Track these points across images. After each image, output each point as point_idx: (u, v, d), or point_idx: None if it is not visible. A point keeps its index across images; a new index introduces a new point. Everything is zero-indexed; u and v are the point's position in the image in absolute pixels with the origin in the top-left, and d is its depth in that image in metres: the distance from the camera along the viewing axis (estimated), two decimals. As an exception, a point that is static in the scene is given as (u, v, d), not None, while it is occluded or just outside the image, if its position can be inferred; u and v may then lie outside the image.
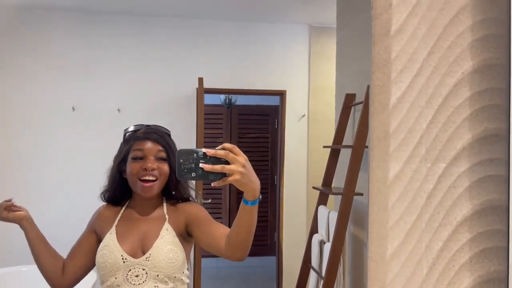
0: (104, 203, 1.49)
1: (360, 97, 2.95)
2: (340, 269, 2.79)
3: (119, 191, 1.44)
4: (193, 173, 0.93)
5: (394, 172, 0.69)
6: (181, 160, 0.93)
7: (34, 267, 3.10)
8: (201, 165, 0.93)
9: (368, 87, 2.59)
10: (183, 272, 1.37)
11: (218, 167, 0.94)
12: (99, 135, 3.90)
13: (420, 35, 0.69)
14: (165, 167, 1.38)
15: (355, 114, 3.06)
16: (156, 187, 1.37)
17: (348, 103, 3.04)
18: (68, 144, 3.91)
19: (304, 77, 4.21)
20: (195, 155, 0.93)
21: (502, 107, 0.70)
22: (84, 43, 3.93)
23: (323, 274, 2.69)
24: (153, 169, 1.35)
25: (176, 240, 1.36)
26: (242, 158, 0.97)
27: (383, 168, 0.69)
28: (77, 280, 1.42)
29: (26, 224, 1.39)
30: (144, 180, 1.35)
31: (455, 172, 0.70)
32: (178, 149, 1.02)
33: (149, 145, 1.37)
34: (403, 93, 0.70)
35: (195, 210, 1.42)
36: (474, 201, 0.70)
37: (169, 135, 1.46)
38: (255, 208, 1.12)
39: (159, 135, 1.41)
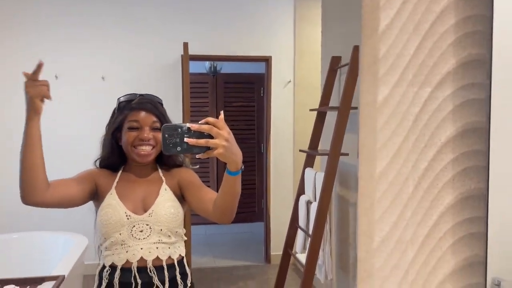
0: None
1: (345, 59, 2.98)
2: (327, 227, 2.88)
3: (115, 158, 1.48)
4: (178, 148, 0.97)
5: (383, 95, 0.73)
6: (166, 135, 0.97)
7: (25, 235, 3.11)
8: (185, 139, 0.96)
9: (355, 47, 2.61)
10: (182, 229, 1.45)
11: (202, 141, 0.98)
12: (83, 103, 3.86)
13: (408, -38, 0.72)
14: (160, 136, 1.41)
15: (341, 77, 3.09)
16: (153, 154, 1.43)
17: (334, 65, 3.06)
18: (51, 112, 3.86)
19: (290, 42, 4.20)
20: (179, 130, 0.97)
21: (484, 33, 0.74)
22: (67, 10, 3.84)
23: (310, 232, 2.77)
24: (149, 139, 1.40)
25: (174, 198, 1.44)
26: (225, 132, 1.02)
27: (373, 92, 0.72)
28: (56, 202, 1.32)
29: (38, 116, 1.26)
30: (140, 149, 1.40)
31: (440, 96, 0.74)
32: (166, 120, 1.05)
33: (144, 115, 1.41)
34: (392, 19, 0.72)
35: (188, 175, 1.49)
36: (457, 123, 0.75)
37: (162, 104, 1.51)
38: (238, 178, 1.18)
39: (153, 105, 1.45)
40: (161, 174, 1.48)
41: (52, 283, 2.05)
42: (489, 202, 0.74)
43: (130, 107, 1.43)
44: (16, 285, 2.07)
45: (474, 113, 0.75)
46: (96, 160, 1.50)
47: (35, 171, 1.25)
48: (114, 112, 1.48)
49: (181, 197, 1.47)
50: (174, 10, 4.01)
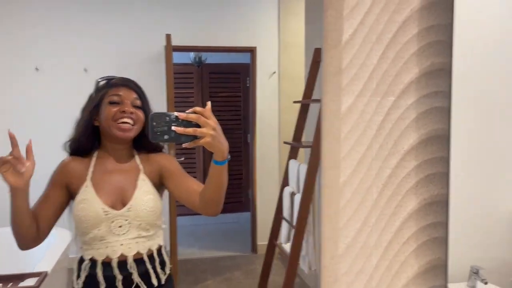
0: (68, 157, 1.45)
1: (328, 52, 2.98)
2: (310, 219, 2.91)
3: (90, 140, 1.42)
4: (165, 136, 0.98)
5: (347, 105, 0.74)
6: (154, 123, 0.97)
7: (5, 230, 3.08)
8: (173, 128, 0.97)
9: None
10: (161, 219, 1.44)
11: (190, 130, 0.99)
12: (65, 96, 3.81)
13: (371, -28, 0.72)
14: (141, 115, 1.39)
15: (324, 69, 3.09)
16: (133, 131, 1.37)
17: (316, 58, 3.06)
18: (33, 106, 3.82)
19: (274, 33, 4.18)
20: (167, 118, 0.97)
21: (446, 42, 0.75)
22: (47, 1, 3.76)
23: (294, 223, 2.80)
24: (131, 112, 1.36)
25: (153, 189, 1.40)
26: (213, 121, 1.03)
27: (336, 102, 0.73)
28: (49, 230, 1.39)
29: (26, 188, 1.22)
30: (121, 122, 1.35)
31: (403, 105, 0.75)
32: (151, 110, 1.04)
33: (125, 91, 1.38)
34: (355, 30, 0.73)
35: (168, 162, 1.45)
36: (421, 131, 0.76)
37: (142, 88, 1.47)
38: (225, 167, 1.18)
39: (133, 83, 1.42)
40: (138, 162, 1.43)
41: (35, 279, 2.05)
42: (449, 207, 0.76)
43: (111, 84, 1.40)
44: (-1, 282, 2.07)
45: (437, 120, 0.76)
46: (66, 142, 1.43)
47: (25, 229, 1.30)
48: (91, 94, 1.43)
49: (160, 185, 1.44)
50: (158, 1, 3.96)
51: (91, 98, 1.43)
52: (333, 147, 0.73)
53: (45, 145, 3.82)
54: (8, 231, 2.97)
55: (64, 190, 1.40)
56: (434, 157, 0.76)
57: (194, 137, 1.01)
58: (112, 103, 1.36)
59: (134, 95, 1.39)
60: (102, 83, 1.43)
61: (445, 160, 0.76)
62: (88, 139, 1.42)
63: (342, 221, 0.74)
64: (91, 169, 1.39)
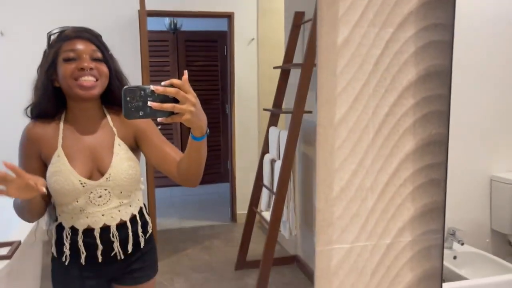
0: (30, 122, 1.30)
1: (309, 15, 2.90)
2: (291, 185, 2.90)
3: (52, 102, 1.27)
4: (140, 112, 0.89)
5: (343, 37, 0.68)
6: (128, 99, 0.88)
7: None
8: (149, 103, 0.88)
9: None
10: (140, 181, 1.37)
11: (168, 106, 0.90)
12: (29, 63, 3.62)
13: None
14: (104, 68, 1.24)
15: (304, 33, 3.02)
16: (97, 87, 1.23)
17: (297, 21, 2.99)
18: None
19: (252, -2, 4.06)
20: (142, 92, 0.88)
21: (449, -31, 0.70)
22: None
23: (275, 190, 2.78)
24: (90, 68, 1.20)
25: (131, 154, 1.30)
26: (192, 96, 0.93)
27: (332, 34, 0.68)
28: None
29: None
30: (82, 80, 1.20)
31: (402, 37, 0.70)
32: (124, 86, 0.93)
33: (81, 44, 1.21)
34: (352, -47, 0.67)
35: (145, 125, 1.33)
36: (419, 66, 0.72)
37: (101, 37, 1.30)
38: (204, 142, 1.11)
39: (90, 33, 1.25)
40: (111, 123, 1.31)
41: (7, 248, 1.97)
42: (449, 147, 0.73)
43: (63, 37, 1.23)
44: (-31, 252, 1.98)
45: (437, 55, 0.72)
46: (27, 107, 1.29)
47: (36, 216, 1.28)
48: (45, 51, 1.26)
49: (137, 148, 1.34)
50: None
51: (45, 55, 1.26)
52: (328, 82, 0.68)
53: (6, 112, 3.66)
54: None
55: (39, 159, 1.28)
56: (433, 94, 0.72)
57: (171, 113, 0.92)
58: (67, 59, 1.20)
59: (92, 47, 1.22)
60: (54, 36, 1.25)
61: (445, 98, 0.72)
62: (49, 102, 1.26)
63: (337, 162, 0.70)
64: (60, 134, 1.26)
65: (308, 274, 3.12)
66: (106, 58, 1.26)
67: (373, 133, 0.71)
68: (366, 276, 0.72)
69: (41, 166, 1.28)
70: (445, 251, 0.77)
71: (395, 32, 0.70)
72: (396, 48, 0.70)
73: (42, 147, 1.27)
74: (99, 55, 1.24)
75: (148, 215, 1.42)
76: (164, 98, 0.91)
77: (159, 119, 0.92)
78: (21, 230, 2.29)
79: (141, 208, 1.38)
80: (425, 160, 0.74)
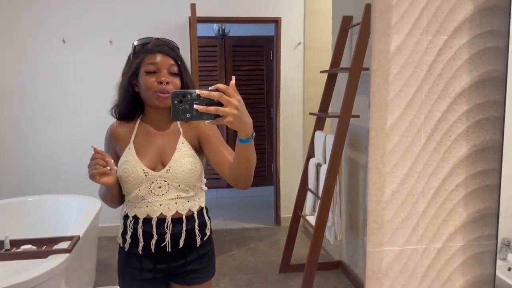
0: (114, 122, 1.49)
1: (357, 19, 2.89)
2: (336, 189, 2.89)
3: (131, 105, 1.44)
4: (187, 114, 0.96)
5: (396, 44, 0.70)
6: (176, 102, 0.95)
7: (39, 198, 3.18)
8: (195, 106, 0.95)
9: (367, 6, 2.53)
10: (201, 181, 1.45)
11: (211, 109, 0.96)
12: (91, 68, 3.84)
13: None
14: (177, 82, 1.38)
15: (352, 37, 3.01)
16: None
17: (345, 25, 2.98)
18: (60, 77, 3.86)
19: (299, 2, 4.08)
20: (189, 96, 0.95)
21: (505, -24, 0.70)
22: (69, -29, 3.76)
23: (320, 194, 2.79)
24: (167, 83, 1.35)
25: (192, 152, 1.42)
26: (235, 99, 0.99)
27: (385, 41, 0.70)
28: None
29: (109, 183, 1.34)
30: (159, 93, 1.35)
31: (455, 45, 0.71)
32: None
33: (161, 58, 1.37)
34: (406, -37, 0.69)
35: (208, 128, 1.45)
36: (473, 73, 0.72)
37: (179, 49, 1.45)
38: (250, 145, 1.17)
39: (169, 47, 1.40)
40: (179, 125, 1.45)
41: (68, 243, 2.11)
42: (503, 155, 0.73)
43: (146, 50, 1.38)
44: (33, 245, 2.13)
45: (491, 61, 0.72)
46: (112, 108, 1.47)
47: (117, 203, 1.47)
48: (129, 57, 1.43)
49: (200, 149, 1.45)
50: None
51: (128, 62, 1.43)
52: (381, 88, 0.70)
53: (72, 117, 3.89)
54: (39, 200, 3.05)
55: (115, 155, 1.46)
56: (487, 100, 0.73)
57: (217, 116, 0.98)
58: (148, 72, 1.36)
59: (170, 61, 1.37)
60: (138, 46, 1.41)
61: (499, 104, 0.72)
62: (130, 105, 1.44)
63: (388, 166, 0.72)
64: (134, 132, 1.44)
65: (353, 280, 3.09)
66: (181, 71, 1.40)
67: (425, 138, 0.72)
68: (416, 278, 0.73)
69: (116, 160, 1.43)
70: (499, 262, 0.76)
71: (448, 39, 0.71)
72: (449, 55, 0.71)
73: (119, 143, 1.44)
74: (175, 69, 1.38)
75: (209, 218, 1.49)
76: (210, 102, 0.97)
77: (205, 122, 0.99)
78: (80, 225, 2.43)
79: (201, 209, 1.46)
80: (478, 166, 0.74)
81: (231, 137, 5.25)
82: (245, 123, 1.06)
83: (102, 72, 3.71)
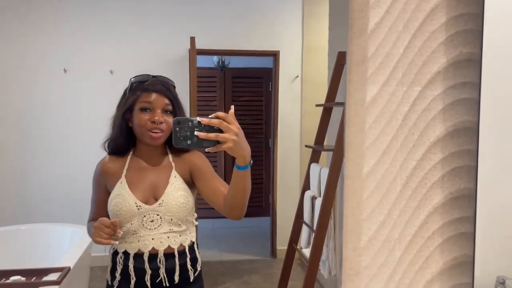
0: (105, 156, 1.50)
1: (352, 55, 2.95)
2: (331, 223, 2.88)
3: (125, 140, 1.45)
4: (188, 141, 0.99)
5: (372, 94, 0.72)
6: (177, 129, 0.99)
7: (32, 227, 3.17)
8: (196, 133, 0.98)
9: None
10: (193, 215, 1.46)
11: (212, 135, 1.00)
12: (92, 97, 3.90)
13: (398, -40, 0.71)
14: (171, 120, 1.39)
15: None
16: (163, 137, 1.40)
17: (340, 61, 3.04)
18: (61, 106, 3.91)
19: (298, 37, 4.18)
20: (190, 123, 0.99)
21: (476, 31, 0.73)
22: (75, 4, 3.87)
23: (314, 227, 2.77)
24: (160, 123, 1.37)
25: (185, 185, 1.43)
26: (235, 126, 1.03)
27: (361, 91, 0.72)
28: None
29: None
30: (152, 132, 1.38)
31: (429, 95, 0.74)
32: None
33: (156, 97, 1.38)
34: (381, 18, 0.72)
35: (199, 161, 1.47)
36: (447, 122, 0.74)
37: (174, 87, 1.48)
38: (247, 172, 1.19)
39: (166, 87, 1.41)
40: (171, 159, 1.46)
41: (58, 274, 2.09)
42: (477, 202, 0.74)
43: (142, 88, 1.40)
44: (23, 276, 2.11)
45: (465, 112, 0.74)
46: (105, 142, 1.48)
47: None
48: (125, 92, 1.45)
49: (192, 183, 1.47)
50: (182, 3, 4.02)
51: (124, 97, 1.45)
52: (357, 137, 0.72)
53: (72, 144, 3.92)
54: (32, 228, 3.03)
55: (105, 190, 1.48)
56: (461, 149, 0.74)
57: (217, 142, 1.01)
58: (143, 109, 1.38)
59: (165, 101, 1.39)
60: (135, 83, 1.43)
61: (473, 153, 0.74)
62: (124, 140, 1.45)
63: (365, 213, 0.73)
64: (126, 166, 1.44)
65: (348, 316, 3.03)
66: (175, 110, 1.42)
67: (401, 186, 0.74)
68: (392, 327, 0.73)
69: (106, 196, 1.45)
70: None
71: (423, 90, 0.73)
72: (424, 105, 0.73)
73: (110, 178, 1.45)
74: (170, 108, 1.40)
75: (199, 253, 1.49)
76: (210, 129, 1.00)
77: (206, 149, 1.01)
78: (71, 255, 2.42)
79: (192, 244, 1.46)
80: (454, 213, 0.75)
81: (228, 165, 5.26)
82: (244, 150, 1.09)
83: (103, 101, 3.77)
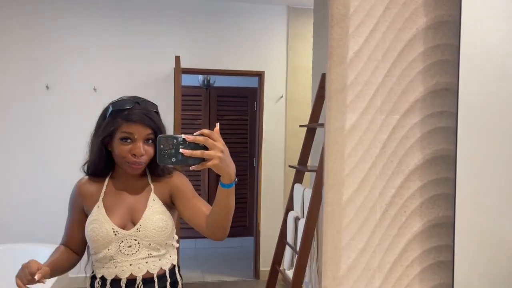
0: (83, 177, 1.46)
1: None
2: (314, 244, 2.86)
3: (103, 164, 1.41)
4: (173, 158, 0.98)
5: (351, 122, 0.73)
6: (162, 146, 0.97)
7: (5, 247, 3.07)
8: (181, 150, 0.97)
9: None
10: (173, 238, 1.42)
11: (197, 153, 0.99)
12: (74, 114, 3.85)
13: (377, -9, 0.72)
14: (152, 150, 1.35)
15: (331, 94, 3.10)
16: (143, 165, 1.36)
17: (323, 82, 3.08)
18: (43, 124, 3.86)
19: (282, 58, 4.23)
20: (174, 141, 0.97)
21: (452, 62, 0.74)
22: (59, 21, 3.85)
23: (298, 249, 2.75)
24: (141, 155, 1.32)
25: (164, 208, 1.39)
26: (220, 143, 1.03)
27: (340, 119, 0.72)
28: (84, 251, 1.49)
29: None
30: (132, 163, 1.33)
31: (408, 124, 0.74)
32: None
33: (137, 128, 1.31)
34: (360, 47, 0.73)
35: (180, 182, 1.43)
36: (425, 151, 0.75)
37: (157, 112, 1.41)
38: (232, 190, 1.18)
39: (148, 116, 1.33)
40: (149, 180, 1.42)
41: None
42: (455, 229, 0.74)
43: (123, 116, 1.31)
44: (-4, 299, 2.03)
45: (442, 140, 0.75)
46: (84, 165, 1.43)
47: (68, 269, 1.44)
48: (104, 115, 1.37)
49: (172, 205, 1.42)
50: (168, 23, 4.03)
51: (103, 121, 1.37)
52: (336, 164, 0.72)
53: (53, 161, 3.85)
54: (5, 249, 2.95)
55: (82, 212, 1.44)
56: (439, 177, 0.75)
57: (202, 160, 1.00)
58: (124, 139, 1.32)
59: (148, 131, 1.33)
60: (116, 110, 1.34)
61: (451, 181, 0.75)
62: (103, 164, 1.41)
63: (344, 241, 0.72)
64: (103, 189, 1.41)
65: None
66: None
67: (380, 214, 0.74)
68: None
69: (83, 218, 1.41)
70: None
71: (401, 119, 0.74)
72: (402, 133, 0.74)
73: (86, 200, 1.41)
74: (152, 136, 1.34)
75: (181, 276, 1.45)
76: (195, 147, 0.99)
77: (191, 167, 0.99)
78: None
79: (173, 267, 1.42)
80: (433, 241, 0.75)
81: (212, 185, 5.22)
82: (229, 167, 1.08)
83: (85, 119, 3.73)
